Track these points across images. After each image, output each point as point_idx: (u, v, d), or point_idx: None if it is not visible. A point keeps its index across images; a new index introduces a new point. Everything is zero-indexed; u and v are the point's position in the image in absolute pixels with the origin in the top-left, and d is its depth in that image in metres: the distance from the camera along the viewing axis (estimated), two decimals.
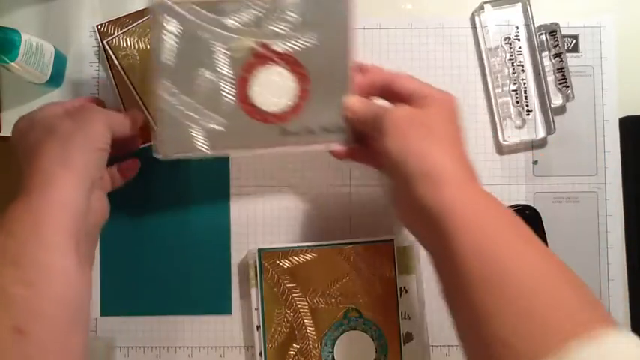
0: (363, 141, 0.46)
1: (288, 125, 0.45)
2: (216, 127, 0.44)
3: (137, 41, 0.53)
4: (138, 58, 0.52)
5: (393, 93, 0.44)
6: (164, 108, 0.44)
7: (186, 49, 0.44)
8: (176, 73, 0.44)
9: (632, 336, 0.31)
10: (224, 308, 0.53)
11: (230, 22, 0.44)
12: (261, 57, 0.45)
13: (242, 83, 0.45)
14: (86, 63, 0.54)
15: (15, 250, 0.36)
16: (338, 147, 0.46)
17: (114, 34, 0.53)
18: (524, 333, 0.32)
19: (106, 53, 0.52)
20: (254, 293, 0.51)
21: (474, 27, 0.54)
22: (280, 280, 0.51)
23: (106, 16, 0.54)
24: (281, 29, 0.44)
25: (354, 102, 0.45)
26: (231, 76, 0.44)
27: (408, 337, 0.51)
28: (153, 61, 0.44)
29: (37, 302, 0.35)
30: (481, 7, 0.53)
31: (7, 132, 0.54)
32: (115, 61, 0.52)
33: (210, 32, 0.44)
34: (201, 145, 0.44)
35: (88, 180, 0.40)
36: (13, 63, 0.46)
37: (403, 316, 0.51)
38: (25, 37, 0.47)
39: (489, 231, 0.36)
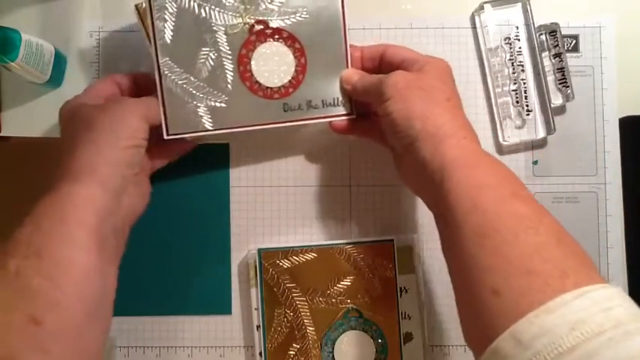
0: (363, 113, 0.48)
1: (289, 100, 0.47)
2: (220, 105, 0.46)
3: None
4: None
5: (387, 63, 0.46)
6: (169, 87, 0.45)
7: (185, 28, 0.45)
8: (178, 53, 0.45)
9: (621, 289, 0.32)
10: (224, 308, 0.53)
11: (226, 0, 0.45)
12: (259, 34, 0.46)
13: (242, 60, 0.46)
14: (86, 63, 0.54)
15: (39, 243, 0.36)
16: (338, 120, 0.48)
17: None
18: (515, 285, 0.32)
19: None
20: (254, 293, 0.51)
21: (474, 27, 0.54)
22: (280, 280, 0.51)
23: (106, 16, 0.54)
24: (275, 4, 0.46)
25: (352, 74, 0.47)
26: (231, 53, 0.46)
27: (408, 337, 0.51)
28: (153, 42, 0.45)
29: (54, 294, 0.35)
30: (481, 7, 0.53)
31: (7, 132, 0.54)
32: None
33: (208, 11, 0.45)
34: (207, 123, 0.46)
35: (118, 179, 0.41)
36: (13, 63, 0.46)
37: (403, 316, 0.51)
38: (25, 37, 0.47)
39: (486, 187, 0.37)
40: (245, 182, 0.54)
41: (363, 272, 0.51)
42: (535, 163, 0.54)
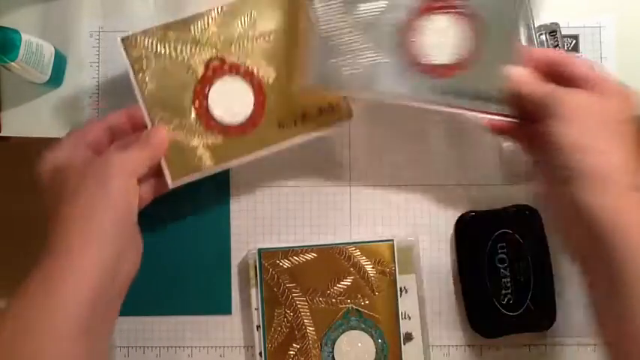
0: (522, 116, 0.42)
1: (445, 82, 0.42)
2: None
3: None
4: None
5: (558, 74, 0.40)
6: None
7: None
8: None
9: None
10: (224, 308, 0.53)
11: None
12: (433, 6, 0.42)
13: (409, 29, 0.42)
14: (86, 63, 0.54)
15: (23, 328, 0.34)
16: (497, 118, 0.42)
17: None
18: None
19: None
20: (254, 293, 0.51)
21: None
22: (280, 280, 0.51)
23: (106, 16, 0.54)
24: None
25: (522, 74, 0.41)
26: (398, 23, 0.42)
27: (408, 337, 0.51)
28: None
29: None
30: None
31: (7, 132, 0.54)
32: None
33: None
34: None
35: (112, 248, 0.38)
36: (13, 63, 0.46)
37: (403, 316, 0.51)
38: (25, 37, 0.47)
39: None
40: (245, 182, 0.54)
41: (363, 272, 0.51)
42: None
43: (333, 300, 0.51)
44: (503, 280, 0.51)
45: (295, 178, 0.54)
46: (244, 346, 0.53)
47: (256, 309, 0.51)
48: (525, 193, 0.53)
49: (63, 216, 0.38)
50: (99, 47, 0.54)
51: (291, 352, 0.51)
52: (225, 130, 0.46)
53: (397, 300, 0.51)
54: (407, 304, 0.51)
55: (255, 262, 0.51)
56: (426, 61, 0.42)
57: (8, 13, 0.54)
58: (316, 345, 0.51)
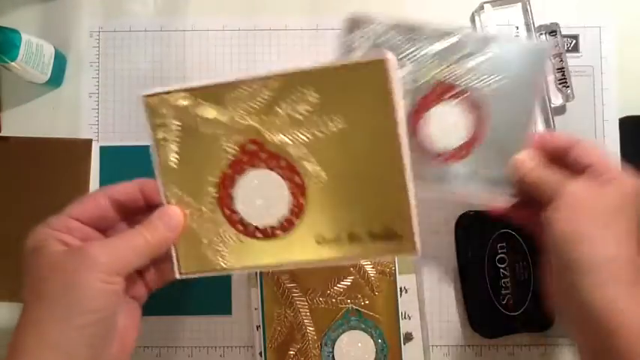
0: (524, 198, 0.42)
1: (452, 167, 0.41)
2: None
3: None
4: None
5: (566, 159, 0.40)
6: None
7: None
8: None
9: None
10: (224, 308, 0.53)
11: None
12: (442, 92, 0.41)
13: (415, 118, 0.41)
14: (86, 63, 0.54)
15: None
16: (499, 203, 0.42)
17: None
18: None
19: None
20: (254, 293, 0.51)
21: (474, 27, 0.54)
22: (280, 280, 0.51)
23: (106, 16, 0.54)
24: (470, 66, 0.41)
25: (525, 161, 0.41)
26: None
27: (408, 337, 0.51)
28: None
29: None
30: (481, 7, 0.53)
31: (7, 132, 0.54)
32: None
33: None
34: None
35: (80, 352, 0.33)
36: (13, 63, 0.46)
37: (403, 316, 0.51)
38: (25, 37, 0.47)
39: None
40: None
41: (363, 272, 0.51)
42: None
43: (333, 300, 0.51)
44: (503, 280, 0.51)
45: None
46: (244, 346, 0.53)
47: (256, 309, 0.51)
48: None
49: (26, 313, 0.34)
50: (99, 47, 0.54)
51: (291, 352, 0.51)
52: (249, 229, 0.38)
53: (397, 300, 0.51)
54: (407, 304, 0.51)
55: None
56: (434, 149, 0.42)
57: (8, 13, 0.54)
58: (316, 345, 0.51)
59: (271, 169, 0.37)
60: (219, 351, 0.53)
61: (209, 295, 0.53)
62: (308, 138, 0.36)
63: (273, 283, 0.51)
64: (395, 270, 0.51)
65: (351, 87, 0.34)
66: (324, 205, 0.37)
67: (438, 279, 0.53)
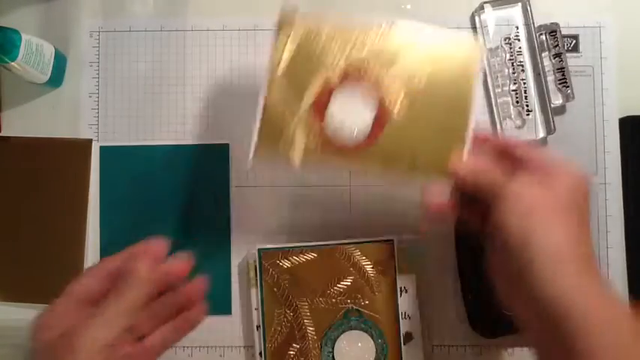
0: (468, 195, 0.42)
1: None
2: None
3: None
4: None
5: (509, 157, 0.41)
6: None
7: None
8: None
9: None
10: (224, 308, 0.53)
11: None
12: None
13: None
14: (86, 63, 0.54)
15: None
16: (438, 197, 0.42)
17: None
18: None
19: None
20: (254, 293, 0.51)
21: (474, 27, 0.54)
22: (280, 280, 0.51)
23: (106, 16, 0.54)
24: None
25: (467, 162, 0.41)
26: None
27: (408, 337, 0.51)
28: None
29: None
30: (481, 7, 0.53)
31: (7, 132, 0.54)
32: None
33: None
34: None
35: None
36: (13, 63, 0.46)
37: (403, 316, 0.51)
38: (25, 37, 0.47)
39: (622, 340, 0.33)
40: (245, 182, 0.54)
41: (363, 272, 0.51)
42: None
43: (333, 300, 0.51)
44: None
45: (295, 178, 0.54)
46: (244, 346, 0.53)
47: (256, 309, 0.51)
48: None
49: None
50: (99, 47, 0.54)
51: (291, 352, 0.51)
52: (328, 138, 0.42)
53: (397, 300, 0.51)
54: (407, 304, 0.51)
55: (255, 262, 0.51)
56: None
57: (8, 13, 0.54)
58: (316, 345, 0.51)
59: (366, 95, 0.43)
60: (219, 351, 0.53)
61: (209, 295, 0.53)
62: (405, 84, 0.43)
63: (273, 283, 0.51)
64: (395, 270, 0.51)
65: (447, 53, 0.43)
66: (399, 135, 0.43)
67: (437, 279, 0.53)
